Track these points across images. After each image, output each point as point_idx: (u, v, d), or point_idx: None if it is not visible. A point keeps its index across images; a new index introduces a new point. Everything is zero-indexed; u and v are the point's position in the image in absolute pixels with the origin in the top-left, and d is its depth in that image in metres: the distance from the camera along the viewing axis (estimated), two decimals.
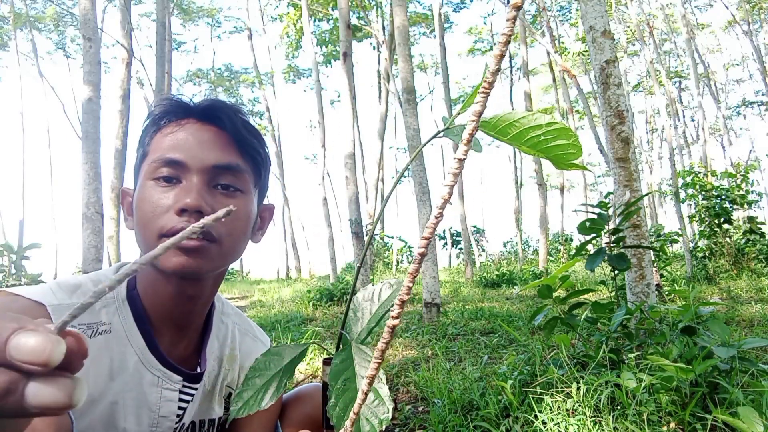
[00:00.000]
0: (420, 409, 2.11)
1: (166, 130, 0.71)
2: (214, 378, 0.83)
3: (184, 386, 0.77)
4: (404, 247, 17.20)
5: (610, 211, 2.26)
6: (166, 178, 0.68)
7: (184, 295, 0.73)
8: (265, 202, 0.83)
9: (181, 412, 0.78)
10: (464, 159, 0.20)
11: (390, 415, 0.54)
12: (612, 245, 2.24)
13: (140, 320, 0.73)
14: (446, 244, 18.03)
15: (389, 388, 0.59)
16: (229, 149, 0.71)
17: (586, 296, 4.09)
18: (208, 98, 0.74)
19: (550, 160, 0.54)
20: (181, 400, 0.77)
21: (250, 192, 0.75)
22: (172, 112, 0.72)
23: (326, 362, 0.62)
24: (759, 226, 6.60)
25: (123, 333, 0.71)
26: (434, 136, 0.57)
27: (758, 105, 23.21)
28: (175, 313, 0.74)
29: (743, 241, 6.61)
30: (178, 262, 0.65)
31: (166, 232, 0.66)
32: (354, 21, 12.84)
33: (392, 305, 0.67)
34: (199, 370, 0.80)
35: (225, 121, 0.71)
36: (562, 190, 14.72)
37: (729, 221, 6.68)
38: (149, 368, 0.73)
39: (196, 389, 0.80)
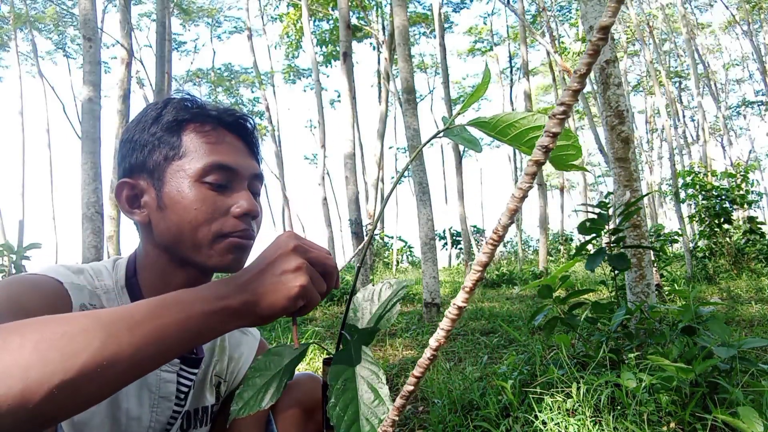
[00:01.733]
0: (420, 409, 2.11)
1: (200, 133, 0.73)
2: (206, 367, 0.87)
3: (181, 369, 0.80)
4: (404, 247, 17.17)
5: (610, 211, 2.26)
6: (219, 184, 0.72)
7: (195, 284, 0.75)
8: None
9: (182, 395, 0.80)
10: (503, 233, 0.19)
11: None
12: (612, 245, 2.24)
13: None
14: (446, 244, 18.00)
15: (389, 388, 0.59)
16: (253, 159, 0.78)
17: (586, 296, 4.09)
18: (226, 106, 0.78)
19: (550, 161, 0.54)
20: (180, 383, 0.80)
21: None
22: (202, 116, 0.74)
23: (326, 362, 0.62)
24: (759, 226, 6.60)
25: None
26: (434, 136, 0.57)
27: (758, 105, 23.20)
28: None
29: (743, 241, 6.61)
30: (234, 258, 0.72)
31: (227, 233, 0.71)
32: (354, 21, 12.83)
33: (393, 305, 0.67)
34: (195, 355, 0.83)
35: (248, 132, 0.78)
36: (562, 190, 14.72)
37: (729, 221, 6.68)
38: None
39: (195, 374, 0.82)
